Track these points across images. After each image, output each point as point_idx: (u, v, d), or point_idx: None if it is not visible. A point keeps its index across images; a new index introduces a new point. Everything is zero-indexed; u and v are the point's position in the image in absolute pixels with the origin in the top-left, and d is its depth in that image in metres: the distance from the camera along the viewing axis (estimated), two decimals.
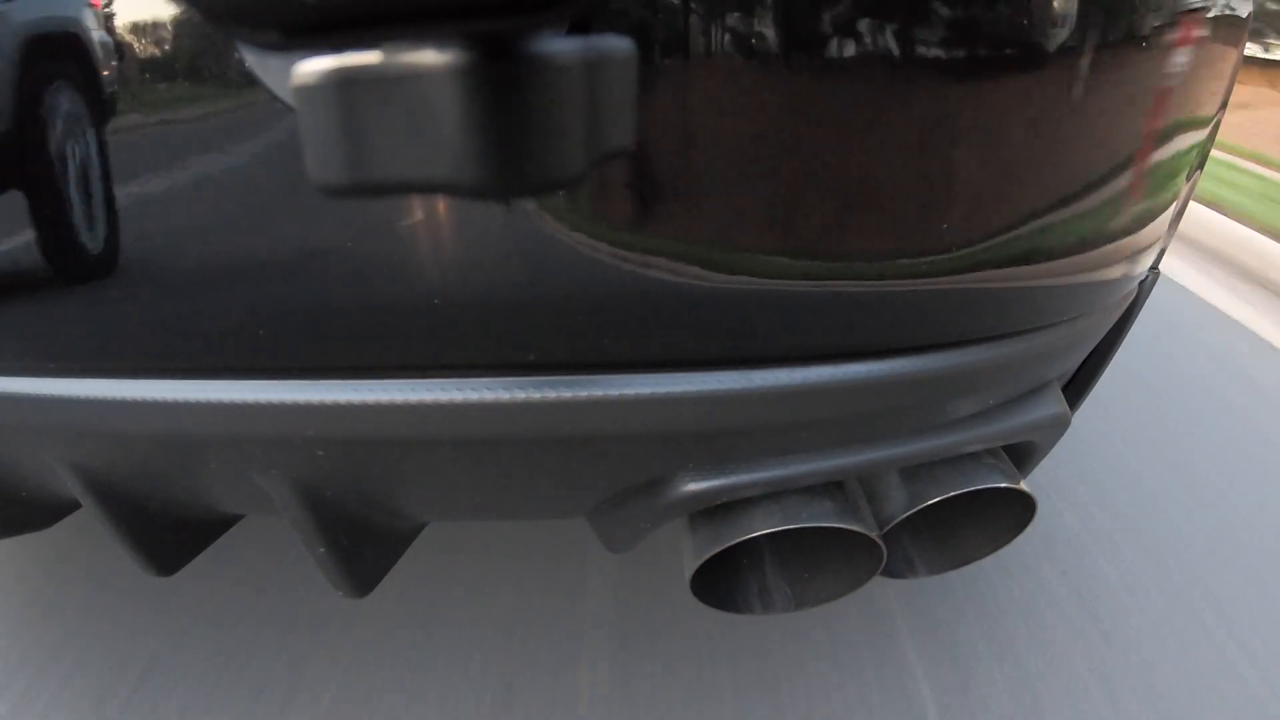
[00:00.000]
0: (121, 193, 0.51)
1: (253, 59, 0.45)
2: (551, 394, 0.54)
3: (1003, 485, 0.71)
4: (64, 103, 0.49)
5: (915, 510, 0.70)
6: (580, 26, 0.43)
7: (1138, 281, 0.77)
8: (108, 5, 0.47)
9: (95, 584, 1.08)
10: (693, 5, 0.45)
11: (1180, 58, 0.59)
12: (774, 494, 0.67)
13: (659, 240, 0.51)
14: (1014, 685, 0.96)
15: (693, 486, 0.63)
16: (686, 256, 0.51)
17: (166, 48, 0.47)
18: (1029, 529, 0.79)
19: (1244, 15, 0.66)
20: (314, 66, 0.26)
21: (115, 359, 0.57)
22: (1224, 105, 0.73)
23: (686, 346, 0.55)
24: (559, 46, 0.26)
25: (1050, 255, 0.59)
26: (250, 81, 0.47)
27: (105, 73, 0.48)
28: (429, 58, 0.25)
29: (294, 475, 0.63)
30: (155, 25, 0.47)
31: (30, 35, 0.48)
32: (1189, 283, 2.40)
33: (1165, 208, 0.70)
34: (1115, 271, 0.68)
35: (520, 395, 0.54)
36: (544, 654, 0.98)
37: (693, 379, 0.55)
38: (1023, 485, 0.72)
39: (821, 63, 0.48)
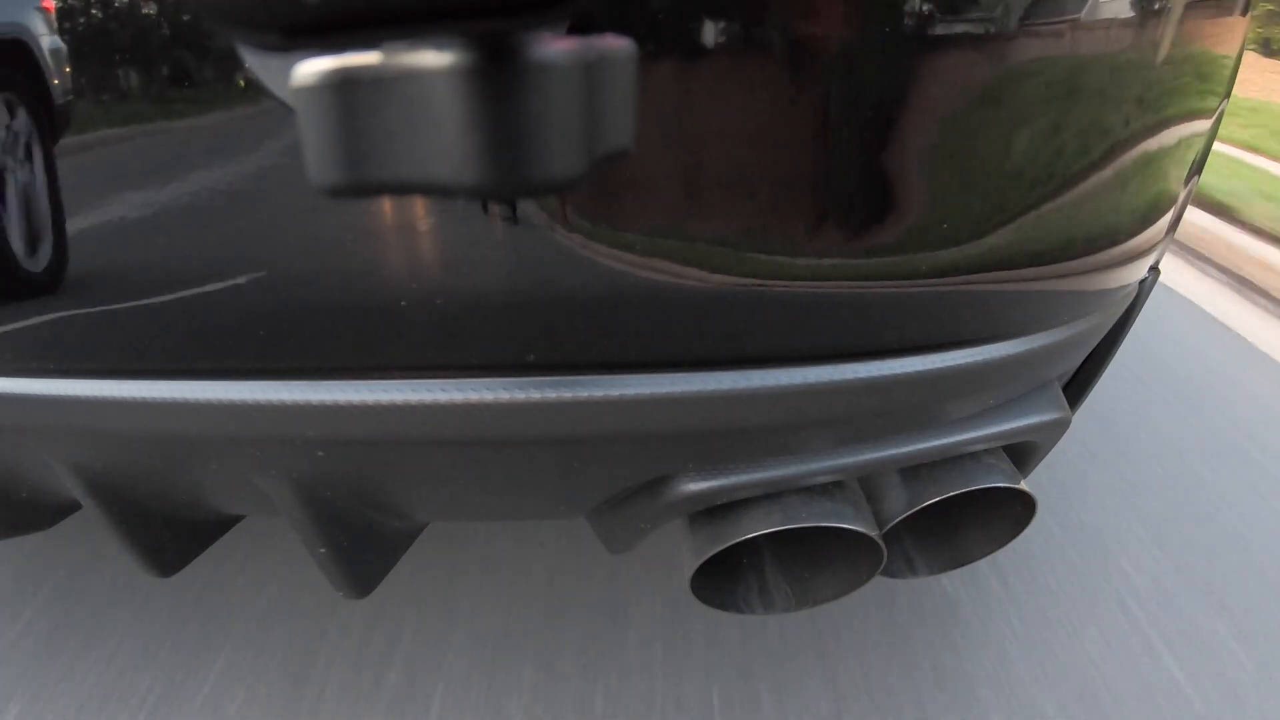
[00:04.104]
0: (123, 193, 0.51)
1: (253, 60, 0.45)
2: (551, 394, 0.54)
3: (1003, 485, 0.71)
4: (61, 103, 0.49)
5: (915, 510, 0.70)
6: (580, 26, 0.43)
7: (1137, 282, 0.77)
8: (109, 5, 0.47)
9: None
10: (693, 5, 0.45)
11: (1177, 54, 0.59)
12: (774, 494, 0.67)
13: (659, 241, 0.51)
14: None
15: (693, 486, 0.63)
16: (686, 257, 0.51)
17: (165, 48, 0.47)
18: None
19: (1243, 10, 0.66)
20: (314, 67, 0.26)
21: (115, 359, 0.57)
22: (1225, 99, 0.73)
23: (686, 346, 0.55)
24: (559, 47, 0.26)
25: (1050, 256, 0.59)
26: (250, 82, 0.47)
27: (107, 71, 0.48)
28: (429, 58, 0.25)
29: (294, 475, 0.63)
30: (154, 25, 0.47)
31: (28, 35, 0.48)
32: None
33: (1165, 209, 0.70)
34: (1115, 272, 0.68)
35: (520, 395, 0.54)
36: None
37: (693, 379, 0.55)
38: (1023, 485, 0.72)
39: (821, 63, 0.47)
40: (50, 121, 0.49)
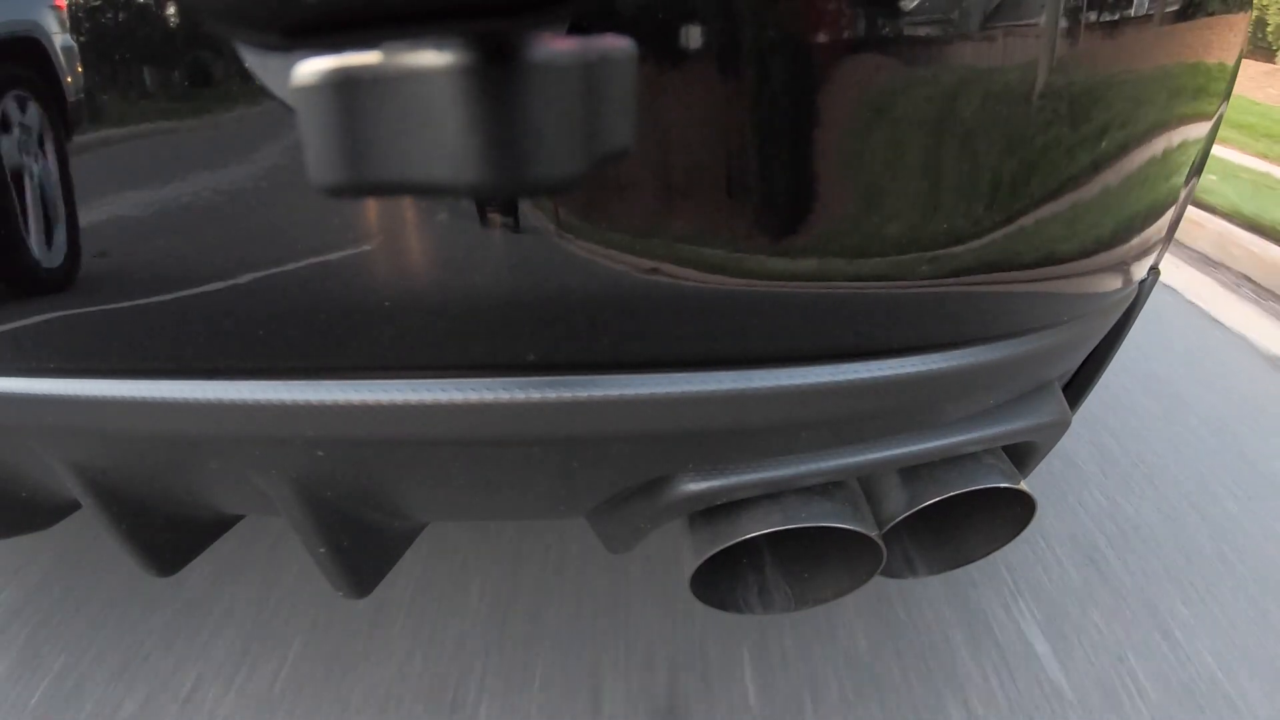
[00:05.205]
0: (123, 193, 0.51)
1: (252, 60, 0.45)
2: (551, 394, 0.54)
3: (1003, 485, 0.71)
4: (57, 104, 0.49)
5: (915, 510, 0.70)
6: (580, 26, 0.43)
7: (1137, 282, 0.77)
8: (119, 4, 0.47)
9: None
10: (693, 5, 0.45)
11: (1178, 56, 0.59)
12: (773, 494, 0.67)
13: (659, 241, 0.51)
14: None
15: (692, 487, 0.63)
16: (686, 257, 0.51)
17: (164, 48, 0.47)
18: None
19: (1244, 10, 0.66)
20: (314, 67, 0.26)
21: (116, 359, 0.57)
22: (1225, 100, 0.73)
23: (686, 346, 0.55)
24: (559, 47, 0.26)
25: (1050, 257, 0.59)
26: (250, 82, 0.47)
27: (109, 72, 0.48)
28: (429, 58, 0.25)
29: (294, 475, 0.63)
30: (153, 26, 0.47)
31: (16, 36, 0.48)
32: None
33: (1165, 209, 0.70)
34: (1115, 273, 0.68)
35: (520, 395, 0.54)
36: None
37: (693, 379, 0.55)
38: (1023, 485, 0.72)
39: (820, 64, 0.47)
40: (55, 121, 0.49)
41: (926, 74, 0.49)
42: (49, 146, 0.50)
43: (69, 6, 0.47)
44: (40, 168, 0.51)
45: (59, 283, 0.54)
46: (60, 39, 0.47)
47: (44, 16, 0.47)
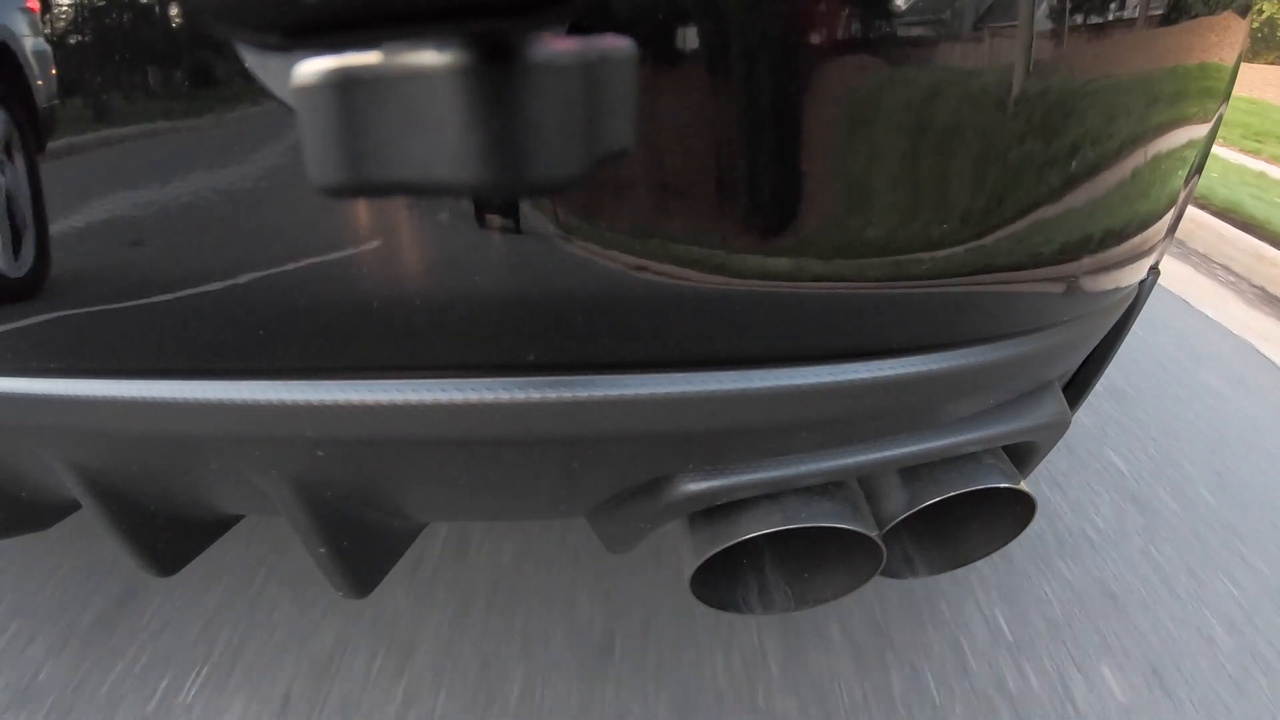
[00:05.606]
0: (122, 193, 0.51)
1: (252, 60, 0.45)
2: (551, 394, 0.54)
3: (1003, 485, 0.70)
4: (54, 103, 0.49)
5: (915, 510, 0.70)
6: (580, 26, 0.43)
7: (1137, 283, 0.77)
8: (100, 4, 0.47)
9: None
10: (693, 6, 0.45)
11: (1179, 58, 0.59)
12: (773, 494, 0.67)
13: (659, 241, 0.51)
14: None
15: (692, 487, 0.63)
16: (686, 257, 0.51)
17: (164, 47, 0.47)
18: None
19: (1244, 11, 0.66)
20: (314, 67, 0.26)
21: (115, 359, 0.57)
22: (1225, 101, 0.73)
23: (686, 346, 0.55)
24: (559, 46, 0.26)
25: (1050, 257, 0.59)
26: (246, 81, 0.47)
27: (108, 72, 0.48)
28: (429, 58, 0.25)
29: (294, 475, 0.63)
30: (153, 25, 0.47)
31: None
32: None
33: (1165, 209, 0.70)
34: (1115, 273, 0.68)
35: (520, 395, 0.54)
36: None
37: (693, 379, 0.55)
38: (1023, 485, 0.72)
39: (820, 64, 0.47)
40: (43, 121, 0.49)
41: (926, 74, 0.49)
42: (49, 145, 0.50)
43: (71, 7, 0.47)
44: (38, 168, 0.51)
45: (59, 283, 0.54)
46: (53, 38, 0.47)
47: (15, 19, 0.47)
